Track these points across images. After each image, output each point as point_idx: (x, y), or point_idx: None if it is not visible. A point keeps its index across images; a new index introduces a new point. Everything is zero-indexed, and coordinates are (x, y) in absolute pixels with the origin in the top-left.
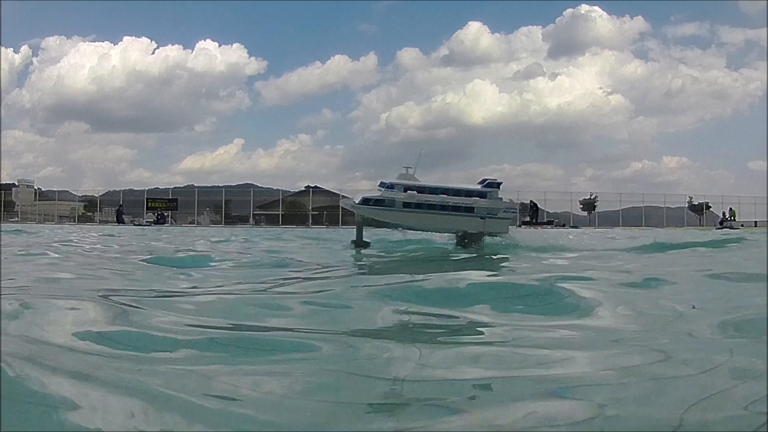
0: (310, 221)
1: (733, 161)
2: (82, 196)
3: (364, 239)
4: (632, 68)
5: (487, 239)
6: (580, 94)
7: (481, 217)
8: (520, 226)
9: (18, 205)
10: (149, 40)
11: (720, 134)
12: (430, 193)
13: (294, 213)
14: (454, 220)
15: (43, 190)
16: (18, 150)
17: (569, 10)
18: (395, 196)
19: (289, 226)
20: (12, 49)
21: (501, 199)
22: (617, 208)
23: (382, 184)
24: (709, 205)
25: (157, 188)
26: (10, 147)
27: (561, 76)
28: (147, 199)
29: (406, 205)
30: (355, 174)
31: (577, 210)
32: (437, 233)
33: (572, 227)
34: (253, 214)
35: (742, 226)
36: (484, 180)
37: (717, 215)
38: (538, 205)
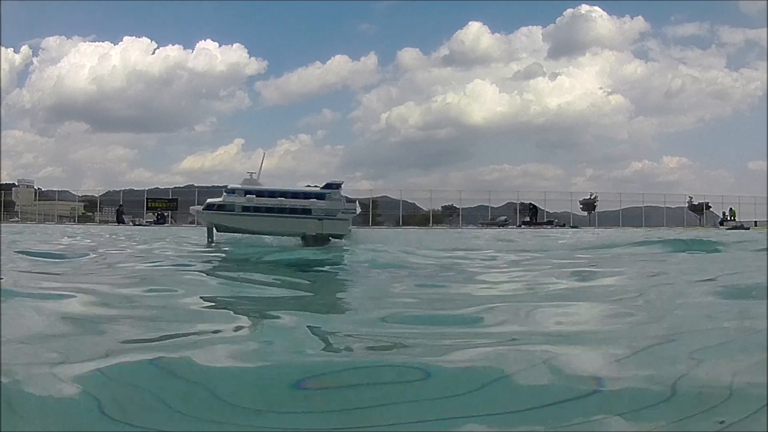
0: None
1: (733, 161)
2: (82, 196)
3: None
4: (632, 68)
5: (334, 241)
6: (580, 94)
7: (319, 219)
8: (519, 226)
9: (18, 205)
10: (149, 40)
11: (720, 134)
12: (269, 197)
13: None
14: (291, 223)
15: (43, 190)
16: (18, 150)
17: (569, 10)
18: (235, 201)
19: None
20: (12, 49)
21: (340, 200)
22: (617, 208)
23: (226, 190)
24: (709, 205)
25: (157, 188)
26: (10, 147)
27: (561, 76)
28: (147, 199)
29: (246, 209)
30: (356, 174)
31: (577, 210)
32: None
33: (572, 227)
34: None
35: (755, 224)
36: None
37: (717, 215)
38: (537, 206)
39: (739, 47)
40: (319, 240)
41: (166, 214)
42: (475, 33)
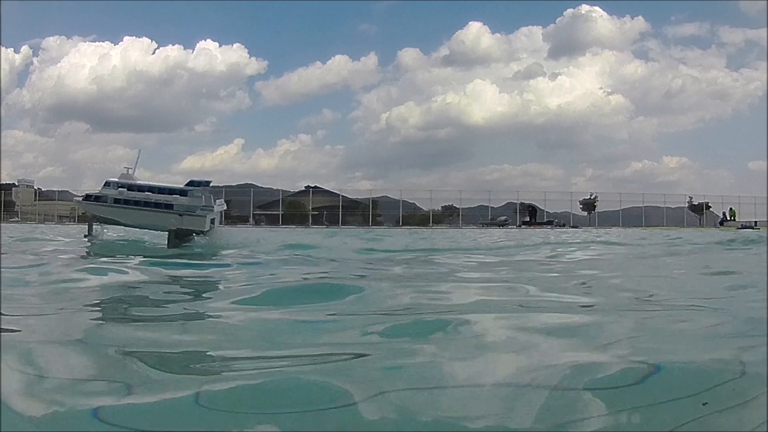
0: (310, 221)
1: (733, 161)
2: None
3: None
4: (632, 68)
5: (199, 238)
6: (580, 94)
7: (180, 214)
8: (519, 226)
9: (18, 205)
10: (150, 40)
11: (720, 134)
12: (138, 191)
13: (294, 213)
14: (154, 216)
15: (43, 190)
16: (18, 150)
17: (570, 11)
18: (108, 194)
19: (289, 226)
20: (12, 49)
21: (201, 197)
22: (617, 208)
23: (105, 183)
24: (709, 205)
25: None
26: (10, 147)
27: (561, 76)
28: None
29: (117, 201)
30: (356, 174)
31: (577, 210)
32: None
33: (572, 227)
34: (253, 214)
35: (756, 224)
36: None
37: (717, 215)
38: (537, 207)
39: (739, 47)
40: (181, 236)
41: None
42: (476, 33)
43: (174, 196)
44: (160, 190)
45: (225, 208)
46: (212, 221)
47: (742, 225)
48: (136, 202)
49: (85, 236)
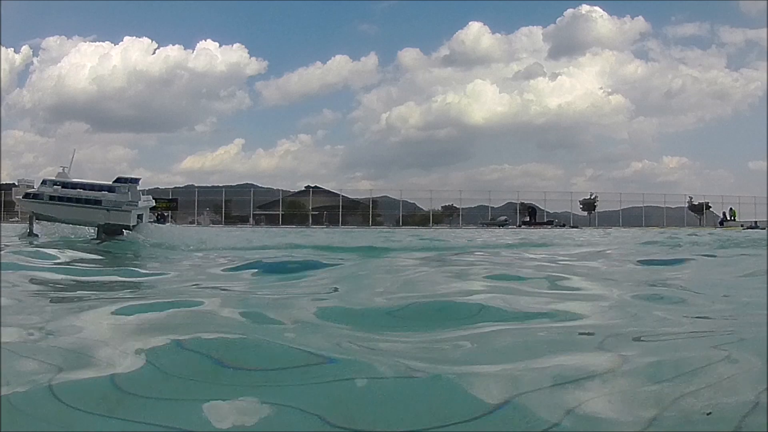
0: (310, 221)
1: (733, 161)
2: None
3: (35, 232)
4: (633, 68)
5: (128, 233)
6: (580, 95)
7: (107, 210)
8: (519, 226)
9: (18, 205)
10: (150, 40)
11: (720, 134)
12: (71, 188)
13: (294, 213)
14: (84, 212)
15: None
16: (18, 150)
17: (570, 11)
18: (45, 191)
19: (289, 226)
20: (12, 49)
21: (127, 193)
22: (617, 208)
23: (42, 182)
24: (709, 205)
25: (158, 188)
26: (10, 147)
27: (561, 77)
28: None
29: (52, 198)
30: (356, 174)
31: (578, 210)
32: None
33: (572, 227)
34: (253, 214)
35: (756, 224)
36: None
37: (717, 215)
38: (537, 207)
39: (739, 47)
40: (110, 232)
41: (166, 214)
42: (476, 33)
43: (102, 192)
44: (91, 187)
45: (152, 204)
46: (139, 217)
47: (748, 225)
48: (69, 199)
49: (28, 234)
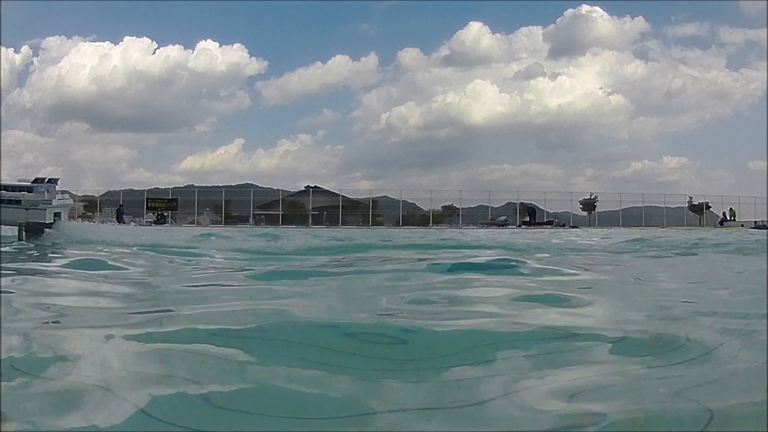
0: (311, 221)
1: (733, 161)
2: (82, 196)
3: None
4: (633, 68)
5: (50, 232)
6: (580, 95)
7: (26, 209)
8: (519, 226)
9: None
10: (150, 40)
11: (720, 134)
12: None
13: (294, 213)
14: (6, 212)
15: None
16: (18, 150)
17: (570, 11)
18: None
19: (289, 226)
20: (12, 49)
21: (44, 192)
22: (617, 208)
23: None
24: (709, 205)
25: (157, 188)
26: (10, 147)
27: (561, 77)
28: (147, 199)
29: None
30: (356, 174)
31: (577, 210)
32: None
33: (572, 227)
34: (253, 214)
35: (756, 224)
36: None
37: (717, 215)
38: (537, 207)
39: (739, 47)
40: (32, 230)
41: (166, 214)
42: (476, 33)
43: (22, 192)
44: (13, 188)
45: (71, 203)
46: (56, 215)
47: (755, 224)
48: None
49: None
